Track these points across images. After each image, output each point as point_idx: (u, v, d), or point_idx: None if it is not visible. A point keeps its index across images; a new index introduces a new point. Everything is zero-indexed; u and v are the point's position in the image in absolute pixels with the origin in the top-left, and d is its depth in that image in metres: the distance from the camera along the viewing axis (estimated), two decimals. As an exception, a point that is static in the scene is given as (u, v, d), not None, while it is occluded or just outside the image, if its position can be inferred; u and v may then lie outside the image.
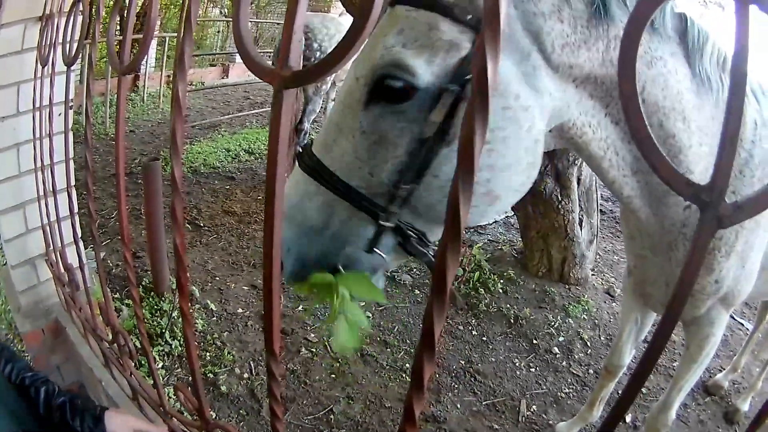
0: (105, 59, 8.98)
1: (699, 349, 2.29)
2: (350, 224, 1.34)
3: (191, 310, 4.09)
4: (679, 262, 1.90)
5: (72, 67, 1.85)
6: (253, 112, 10.15)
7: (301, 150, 1.38)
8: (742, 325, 4.91)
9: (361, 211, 1.32)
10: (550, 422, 3.50)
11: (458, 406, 3.56)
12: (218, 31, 15.17)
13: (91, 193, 1.71)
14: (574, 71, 1.39)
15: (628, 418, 3.64)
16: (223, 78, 13.54)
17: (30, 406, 1.53)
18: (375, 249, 1.34)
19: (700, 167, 1.64)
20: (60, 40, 1.94)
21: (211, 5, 14.74)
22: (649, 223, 1.83)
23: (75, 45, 1.79)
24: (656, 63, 1.48)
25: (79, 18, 1.83)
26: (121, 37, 1.28)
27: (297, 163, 1.38)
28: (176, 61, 0.93)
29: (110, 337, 2.03)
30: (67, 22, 1.83)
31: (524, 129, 1.31)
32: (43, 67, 2.15)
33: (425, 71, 1.24)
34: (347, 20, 6.29)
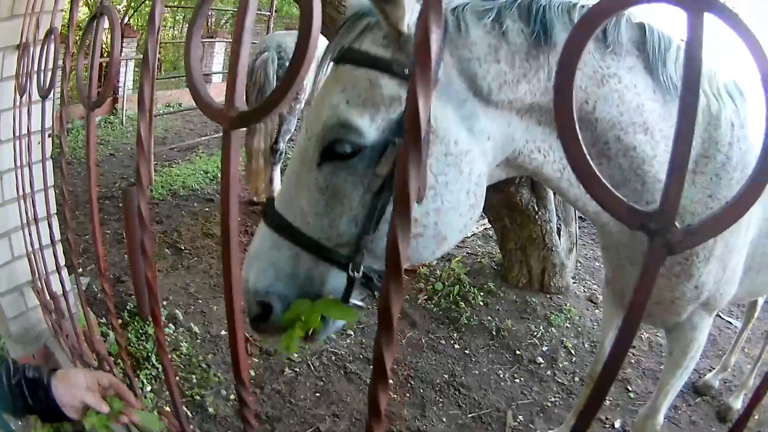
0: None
1: (683, 354, 2.28)
2: (320, 272, 1.41)
3: (175, 334, 4.09)
4: (662, 272, 1.92)
5: (48, 98, 1.85)
6: (230, 132, 10.12)
7: (264, 211, 1.45)
8: (730, 323, 4.98)
9: (328, 262, 1.39)
10: (537, 432, 3.53)
11: (444, 419, 3.57)
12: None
13: (68, 223, 1.73)
14: (515, 104, 1.45)
15: (617, 424, 3.66)
16: (200, 99, 13.38)
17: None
18: (351, 300, 1.41)
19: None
20: (36, 70, 1.95)
21: (186, 26, 14.72)
22: (622, 235, 1.86)
23: (49, 76, 1.80)
24: (608, 81, 1.51)
25: (56, 48, 1.85)
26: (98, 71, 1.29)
27: (263, 217, 1.45)
28: (138, 103, 0.95)
29: (96, 363, 2.04)
30: (41, 53, 1.85)
31: (465, 173, 1.39)
32: (21, 96, 2.16)
33: (369, 128, 1.31)
34: (321, 39, 6.32)
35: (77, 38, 1.58)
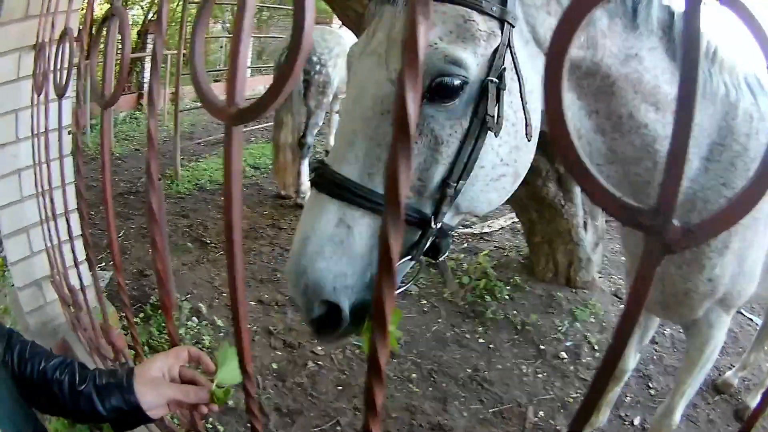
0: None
1: (699, 353, 2.26)
2: None
3: (198, 327, 4.13)
4: (673, 260, 1.90)
5: (65, 96, 1.87)
6: (257, 126, 10.17)
7: (319, 176, 1.27)
8: (751, 320, 4.87)
9: (411, 224, 1.29)
10: (558, 428, 3.49)
11: (464, 414, 3.56)
12: (221, 47, 15.25)
13: (85, 220, 1.74)
14: None
15: (636, 421, 3.61)
16: (228, 93, 13.50)
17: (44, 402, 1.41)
18: (415, 256, 1.33)
19: None
20: (52, 69, 1.98)
21: (213, 21, 14.82)
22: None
23: (65, 75, 1.82)
24: (630, 61, 1.53)
25: (71, 48, 1.88)
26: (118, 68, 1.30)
27: (316, 186, 1.27)
28: (147, 99, 0.96)
29: (112, 355, 2.07)
30: (56, 53, 1.87)
31: (533, 110, 1.38)
32: (38, 95, 2.19)
33: (473, 64, 1.26)
34: (346, 32, 6.32)
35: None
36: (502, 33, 1.29)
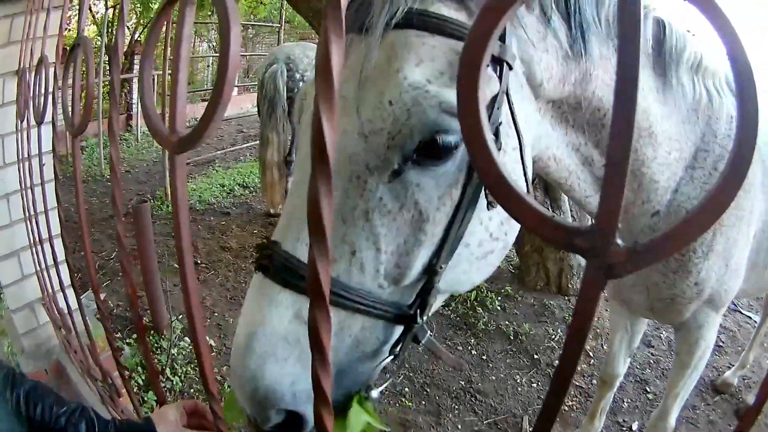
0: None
1: (689, 354, 2.25)
2: (367, 336, 1.05)
3: (190, 347, 4.11)
4: (655, 268, 1.90)
5: (45, 122, 1.88)
6: (246, 145, 10.19)
7: (267, 258, 1.01)
8: (750, 318, 4.89)
9: (389, 321, 1.06)
10: (552, 437, 3.48)
11: (459, 427, 3.56)
12: (208, 66, 15.27)
13: (67, 245, 1.76)
14: (552, 104, 1.35)
15: (634, 426, 3.63)
16: (216, 113, 13.47)
17: None
18: (398, 356, 1.10)
19: (665, 176, 1.65)
20: (31, 96, 1.99)
21: (199, 39, 14.86)
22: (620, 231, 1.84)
23: (42, 102, 1.83)
24: None
25: (49, 70, 1.89)
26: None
27: (263, 270, 1.02)
28: (108, 129, 0.96)
29: (100, 376, 2.08)
30: (35, 79, 1.88)
31: (528, 168, 1.19)
32: (21, 121, 2.20)
33: None
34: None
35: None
36: (500, 77, 1.05)
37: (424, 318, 1.08)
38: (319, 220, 0.46)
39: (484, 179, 0.46)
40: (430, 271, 1.04)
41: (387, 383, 1.12)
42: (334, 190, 0.89)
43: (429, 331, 1.12)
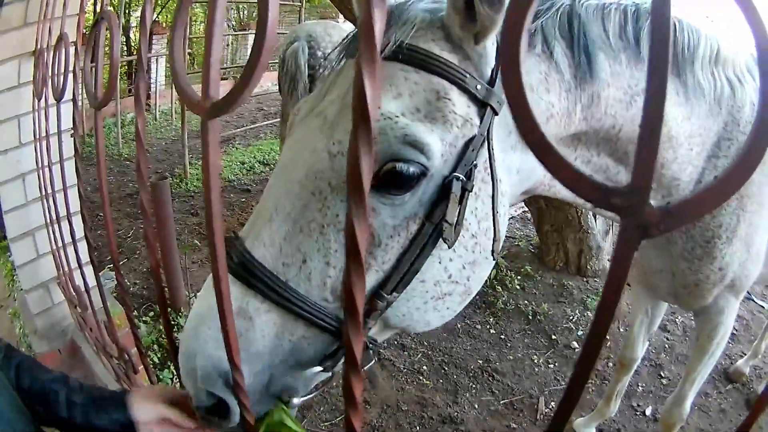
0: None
1: (709, 339, 2.24)
2: (306, 345, 1.07)
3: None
4: (679, 254, 1.88)
5: (64, 100, 1.89)
6: (266, 123, 10.19)
7: (228, 250, 1.01)
8: (763, 307, 4.81)
9: (326, 332, 1.07)
10: (570, 419, 3.48)
11: (476, 406, 3.56)
12: (227, 45, 15.28)
13: (86, 222, 1.76)
14: (554, 137, 1.27)
15: (648, 411, 3.61)
16: (235, 91, 13.47)
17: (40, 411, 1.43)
18: (327, 368, 1.09)
19: (686, 172, 1.63)
20: (50, 75, 1.99)
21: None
22: None
23: (62, 80, 1.83)
24: (636, 101, 1.38)
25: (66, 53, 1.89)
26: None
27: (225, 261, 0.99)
28: (135, 99, 0.96)
29: (116, 353, 2.09)
30: (54, 58, 1.88)
31: (501, 215, 1.19)
32: (38, 101, 2.20)
33: (437, 153, 1.04)
34: (350, 27, 6.31)
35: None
36: (481, 121, 1.09)
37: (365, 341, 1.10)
38: (359, 184, 0.46)
39: (527, 139, 0.47)
40: (374, 295, 1.06)
41: (312, 395, 1.15)
42: (296, 200, 1.04)
43: (373, 357, 1.16)
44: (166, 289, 4.37)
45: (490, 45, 1.11)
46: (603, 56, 1.30)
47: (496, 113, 1.11)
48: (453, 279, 1.13)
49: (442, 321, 1.20)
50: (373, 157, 0.46)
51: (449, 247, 1.09)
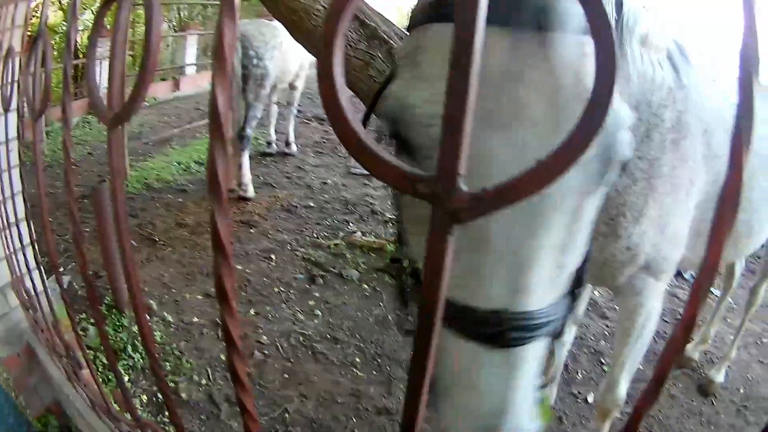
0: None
1: (630, 321, 2.21)
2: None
3: (149, 324, 4.20)
4: None
5: (10, 109, 1.97)
6: (202, 122, 10.12)
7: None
8: (711, 293, 4.88)
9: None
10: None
11: (408, 396, 3.68)
12: (167, 45, 15.09)
13: (33, 228, 1.83)
14: None
15: (590, 398, 3.70)
16: (174, 91, 13.30)
17: None
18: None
19: None
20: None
21: (168, 22, 14.70)
22: None
23: (9, 90, 1.91)
24: None
25: (15, 61, 1.97)
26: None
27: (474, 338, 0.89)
28: (62, 114, 1.08)
29: (65, 353, 2.18)
30: (2, 70, 1.97)
31: None
32: (-11, 109, 2.28)
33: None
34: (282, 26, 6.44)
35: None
36: None
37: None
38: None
39: (337, 130, 0.47)
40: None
41: None
42: (551, 227, 0.86)
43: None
44: (110, 290, 4.43)
45: None
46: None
47: None
48: None
49: None
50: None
51: None
